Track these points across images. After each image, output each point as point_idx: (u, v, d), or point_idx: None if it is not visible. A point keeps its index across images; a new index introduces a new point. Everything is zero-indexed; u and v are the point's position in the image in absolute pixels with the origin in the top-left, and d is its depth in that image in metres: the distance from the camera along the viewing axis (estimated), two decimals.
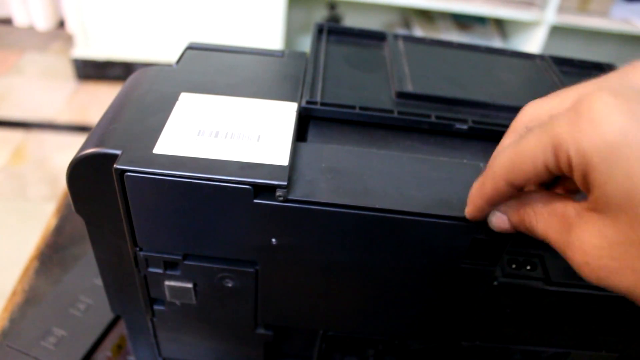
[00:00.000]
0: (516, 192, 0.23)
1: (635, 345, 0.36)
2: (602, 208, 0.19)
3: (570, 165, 0.19)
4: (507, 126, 0.33)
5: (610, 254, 0.19)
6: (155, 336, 0.38)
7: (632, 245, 0.18)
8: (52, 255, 0.52)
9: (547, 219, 0.22)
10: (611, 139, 0.18)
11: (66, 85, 1.74)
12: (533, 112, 0.25)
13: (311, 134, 0.33)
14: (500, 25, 1.84)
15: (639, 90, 0.19)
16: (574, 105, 0.19)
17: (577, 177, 0.20)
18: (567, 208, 0.21)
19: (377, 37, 0.43)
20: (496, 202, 0.24)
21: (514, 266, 0.32)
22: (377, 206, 0.27)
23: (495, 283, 0.31)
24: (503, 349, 0.37)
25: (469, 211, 0.26)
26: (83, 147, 0.28)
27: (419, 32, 1.77)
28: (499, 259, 0.29)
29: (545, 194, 0.23)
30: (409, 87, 0.36)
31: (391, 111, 0.33)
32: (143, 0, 1.59)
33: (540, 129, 0.21)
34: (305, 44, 1.88)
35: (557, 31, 1.69)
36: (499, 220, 0.25)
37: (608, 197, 0.18)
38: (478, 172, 0.30)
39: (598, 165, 0.18)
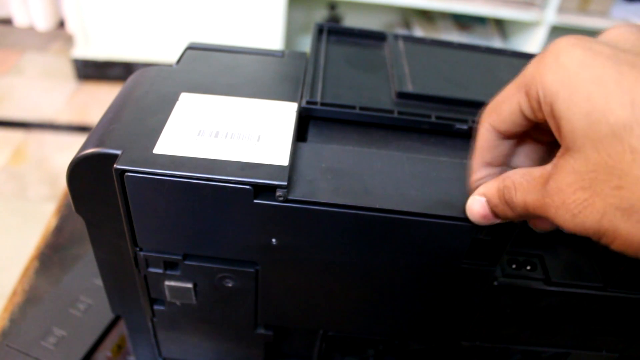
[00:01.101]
0: (501, 146, 0.25)
1: (635, 345, 0.36)
2: (570, 143, 0.20)
3: (539, 102, 0.21)
4: None
5: (582, 185, 0.20)
6: (155, 336, 0.38)
7: (598, 170, 0.19)
8: (52, 255, 0.52)
9: (525, 186, 0.23)
10: (570, 66, 0.20)
11: (66, 85, 1.74)
12: None
13: (311, 134, 0.33)
14: (500, 25, 1.84)
15: (602, 41, 0.21)
16: (542, 51, 0.22)
17: (546, 113, 0.21)
18: (545, 168, 0.22)
19: (377, 37, 0.43)
20: (485, 156, 0.25)
21: (514, 266, 0.32)
22: (377, 206, 0.27)
23: (495, 283, 0.31)
24: (503, 349, 0.37)
25: (469, 181, 0.27)
26: (83, 147, 0.28)
27: (419, 32, 1.77)
28: (499, 259, 0.29)
29: (523, 169, 0.24)
30: (409, 87, 0.36)
31: (391, 111, 0.33)
32: (143, 1, 1.59)
33: (517, 77, 0.23)
34: (305, 44, 1.88)
35: (557, 31, 1.69)
36: (477, 204, 0.25)
37: (573, 124, 0.20)
38: None
39: (560, 93, 0.20)
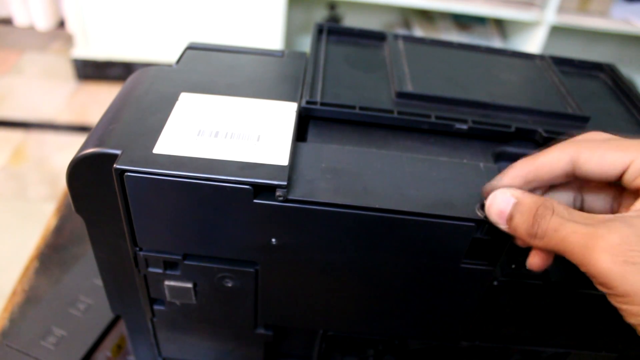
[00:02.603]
0: (557, 176, 0.25)
1: (634, 345, 0.36)
2: None
3: None
4: (507, 126, 0.33)
5: None
6: (155, 336, 0.38)
7: None
8: (52, 255, 0.52)
9: (567, 216, 0.23)
10: None
11: (66, 85, 1.74)
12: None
13: (311, 134, 0.33)
14: (500, 25, 1.84)
15: None
16: None
17: None
18: (594, 217, 0.23)
19: (377, 37, 0.43)
20: (535, 172, 0.26)
21: (513, 266, 0.32)
22: (377, 206, 0.27)
23: (495, 283, 0.31)
24: (503, 349, 0.37)
25: (496, 182, 0.27)
26: (83, 147, 0.28)
27: (419, 32, 1.77)
28: (498, 259, 0.29)
29: (564, 204, 0.24)
30: (409, 87, 0.36)
31: (391, 111, 0.33)
32: (143, 0, 1.59)
33: (635, 142, 0.24)
34: (305, 44, 1.88)
35: (557, 31, 1.69)
36: (504, 200, 0.25)
37: None
38: (478, 172, 0.30)
39: None
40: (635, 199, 0.23)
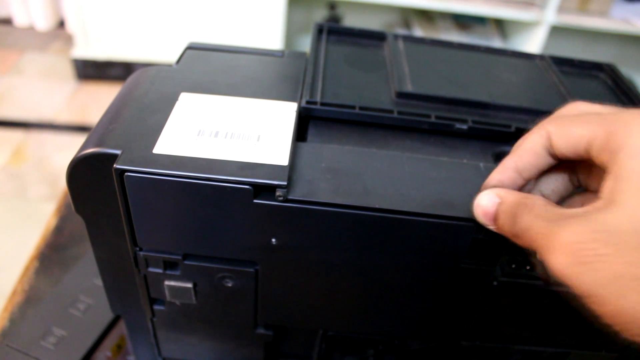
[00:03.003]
0: (542, 159, 0.24)
1: (634, 345, 0.36)
2: (617, 196, 0.19)
3: (611, 152, 0.21)
4: (507, 126, 0.33)
5: (609, 241, 0.19)
6: (155, 336, 0.38)
7: (638, 234, 0.18)
8: (52, 255, 0.52)
9: (538, 212, 0.22)
10: None
11: (66, 85, 1.74)
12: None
13: (311, 134, 0.33)
14: (500, 25, 1.84)
15: None
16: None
17: (603, 158, 0.21)
18: (569, 209, 0.22)
19: (377, 37, 0.43)
20: (521, 160, 0.25)
21: (513, 266, 0.32)
22: (376, 206, 0.27)
23: (495, 283, 0.31)
24: (503, 349, 0.37)
25: (488, 178, 0.26)
26: (83, 147, 0.28)
27: (419, 32, 1.77)
28: (498, 259, 0.29)
29: (546, 199, 0.23)
30: (409, 87, 0.36)
31: (391, 111, 0.33)
32: (143, 0, 1.59)
33: (599, 115, 0.22)
34: (305, 44, 1.88)
35: (557, 31, 1.69)
36: (488, 201, 0.25)
37: (629, 182, 0.19)
38: (478, 172, 0.30)
39: (634, 149, 0.20)
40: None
